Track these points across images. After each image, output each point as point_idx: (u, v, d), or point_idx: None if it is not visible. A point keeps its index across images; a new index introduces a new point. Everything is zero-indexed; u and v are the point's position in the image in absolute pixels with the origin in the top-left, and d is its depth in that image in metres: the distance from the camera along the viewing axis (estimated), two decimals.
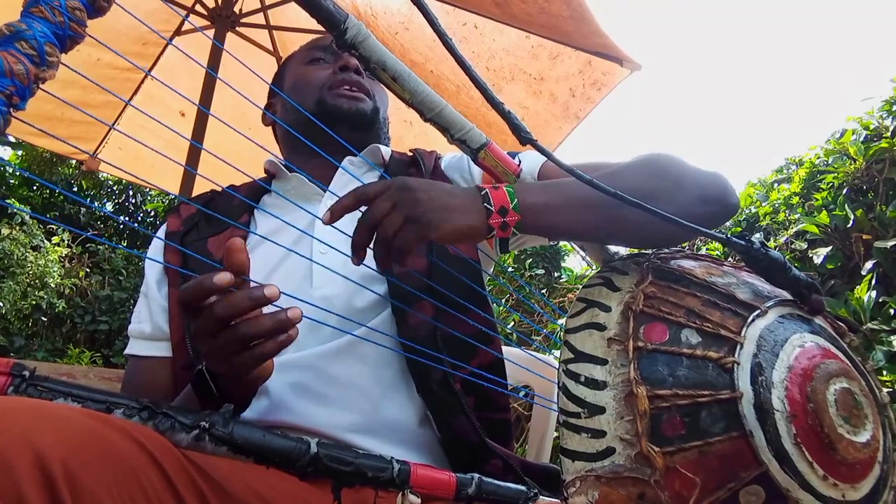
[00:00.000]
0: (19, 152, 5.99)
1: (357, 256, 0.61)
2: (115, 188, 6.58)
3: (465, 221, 0.60)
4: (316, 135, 0.79)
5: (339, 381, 0.73)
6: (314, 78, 0.95)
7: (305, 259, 0.77)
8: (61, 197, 6.29)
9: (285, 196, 0.85)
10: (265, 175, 0.98)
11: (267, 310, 0.58)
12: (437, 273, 0.78)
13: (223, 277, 0.54)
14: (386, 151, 0.95)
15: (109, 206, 6.58)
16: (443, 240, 0.60)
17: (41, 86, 0.48)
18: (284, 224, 0.81)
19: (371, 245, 0.61)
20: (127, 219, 6.25)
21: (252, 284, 0.57)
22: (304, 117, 0.86)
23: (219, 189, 0.93)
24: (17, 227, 4.79)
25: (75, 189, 6.28)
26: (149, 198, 6.67)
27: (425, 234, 0.59)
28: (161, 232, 0.89)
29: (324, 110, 0.90)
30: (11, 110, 0.45)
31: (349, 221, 0.62)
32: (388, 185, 0.62)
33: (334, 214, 0.60)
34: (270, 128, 1.07)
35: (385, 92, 1.01)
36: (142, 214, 6.65)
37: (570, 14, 1.80)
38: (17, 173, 6.01)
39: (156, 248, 0.88)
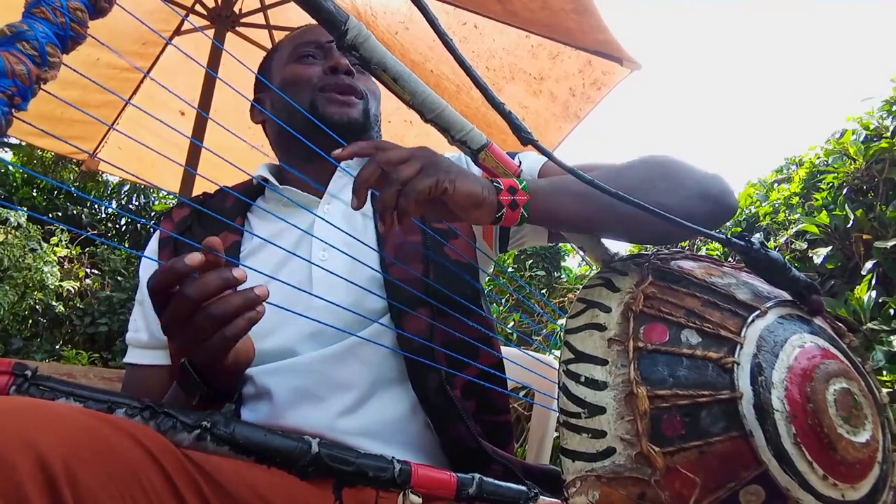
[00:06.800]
0: (13, 154, 5.96)
1: (358, 199, 0.58)
2: (119, 189, 6.56)
3: (479, 190, 0.60)
4: (311, 138, 0.78)
5: (340, 385, 0.73)
6: (304, 78, 0.91)
7: (305, 263, 0.77)
8: (63, 198, 6.28)
9: (285, 195, 0.85)
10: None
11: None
12: (435, 277, 0.78)
13: (195, 257, 0.55)
14: None
15: (112, 209, 6.57)
16: (457, 199, 0.59)
17: (42, 86, 0.48)
18: (281, 228, 0.81)
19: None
20: (139, 217, 6.23)
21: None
22: (297, 120, 0.85)
23: (215, 190, 0.92)
24: (13, 232, 4.75)
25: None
26: (154, 198, 6.65)
27: (442, 184, 0.58)
28: (155, 239, 0.89)
29: (315, 116, 0.87)
30: (13, 111, 0.46)
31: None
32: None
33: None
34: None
35: (377, 84, 0.97)
36: (151, 216, 6.62)
37: (574, 7, 1.78)
38: (23, 173, 5.99)
39: (151, 254, 0.87)
